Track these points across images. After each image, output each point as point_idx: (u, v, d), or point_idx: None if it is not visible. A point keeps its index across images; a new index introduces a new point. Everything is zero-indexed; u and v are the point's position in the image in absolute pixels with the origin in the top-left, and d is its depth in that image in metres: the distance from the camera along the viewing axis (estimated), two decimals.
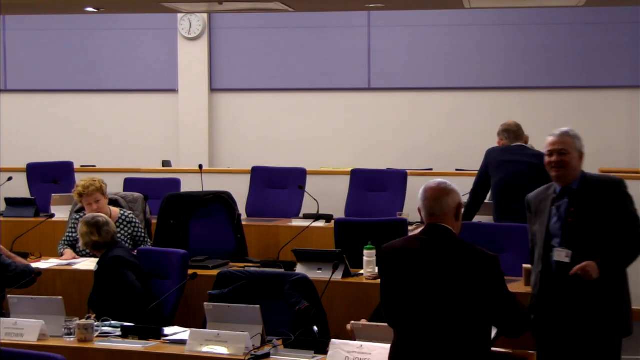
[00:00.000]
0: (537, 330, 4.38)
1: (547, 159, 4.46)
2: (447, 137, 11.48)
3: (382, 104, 11.70)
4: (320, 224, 7.79)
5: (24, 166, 9.56)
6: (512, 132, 6.98)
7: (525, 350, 3.96)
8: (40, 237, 7.80)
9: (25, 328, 4.72)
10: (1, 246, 5.65)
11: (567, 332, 4.33)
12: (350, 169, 9.22)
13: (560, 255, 4.36)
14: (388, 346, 3.90)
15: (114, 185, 8.19)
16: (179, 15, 11.74)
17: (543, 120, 11.01)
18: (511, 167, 6.77)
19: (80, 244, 6.12)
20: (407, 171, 8.86)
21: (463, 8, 9.63)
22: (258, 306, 4.65)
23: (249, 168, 9.21)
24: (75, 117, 12.29)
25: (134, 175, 9.35)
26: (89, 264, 6.41)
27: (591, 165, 10.47)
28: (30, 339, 4.67)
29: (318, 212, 8.17)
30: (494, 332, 3.91)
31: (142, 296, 5.56)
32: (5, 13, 11.47)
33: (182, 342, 4.58)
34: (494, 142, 7.20)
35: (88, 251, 6.71)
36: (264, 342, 4.53)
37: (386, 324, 3.91)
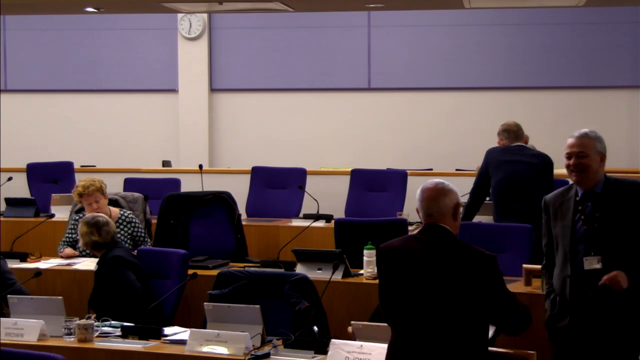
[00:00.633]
0: (566, 333, 4.30)
1: (565, 161, 4.31)
2: (447, 137, 11.48)
3: (382, 104, 11.70)
4: (320, 224, 7.79)
5: (24, 166, 9.56)
6: (512, 132, 6.98)
7: (525, 350, 3.96)
8: (40, 237, 7.80)
9: (25, 328, 4.72)
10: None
11: (595, 338, 4.24)
12: (350, 169, 9.22)
13: (592, 263, 4.24)
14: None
15: (114, 185, 8.19)
16: (179, 15, 11.75)
17: (543, 120, 11.02)
18: (511, 167, 6.77)
19: (80, 243, 6.12)
20: (407, 171, 8.86)
21: (463, 8, 9.63)
22: (258, 306, 4.65)
23: (249, 168, 9.22)
24: (75, 117, 12.29)
25: (134, 175, 9.35)
26: (89, 264, 6.41)
27: None
28: (30, 339, 4.67)
29: (318, 212, 8.17)
30: (491, 331, 3.91)
31: (142, 296, 5.57)
32: (5, 13, 11.47)
33: (182, 342, 4.58)
34: (494, 142, 7.20)
35: (88, 251, 6.72)
36: (264, 342, 4.53)
37: (386, 324, 3.91)
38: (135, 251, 6.23)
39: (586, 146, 4.27)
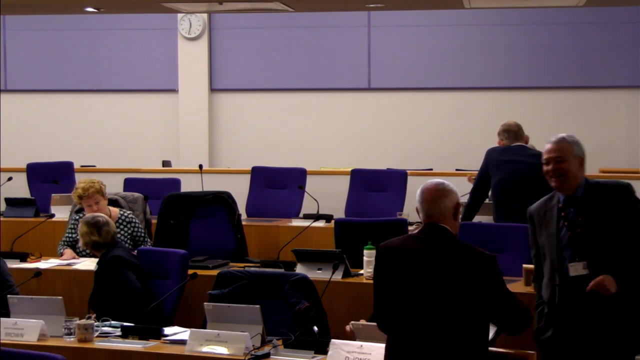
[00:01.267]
0: (552, 343, 4.24)
1: (544, 167, 4.25)
2: (447, 137, 11.48)
3: (382, 104, 11.70)
4: (320, 224, 7.79)
5: (24, 166, 9.56)
6: (513, 132, 6.98)
7: (525, 350, 3.96)
8: (40, 237, 7.80)
9: (25, 328, 4.72)
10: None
11: (584, 345, 4.18)
12: (350, 169, 9.22)
13: (577, 269, 4.17)
14: None
15: (114, 185, 8.19)
16: (179, 15, 11.75)
17: (543, 120, 11.02)
18: (511, 167, 6.76)
19: (80, 243, 6.12)
20: (407, 171, 8.86)
21: (463, 8, 9.63)
22: (258, 306, 4.65)
23: (249, 168, 9.22)
24: (75, 117, 12.30)
25: (134, 175, 9.35)
26: (89, 264, 6.41)
27: (591, 165, 10.46)
28: (30, 339, 4.67)
29: (318, 212, 8.17)
30: (492, 332, 3.91)
31: (141, 296, 5.57)
32: (5, 13, 11.47)
33: (182, 342, 4.58)
34: (494, 142, 7.20)
35: (88, 251, 6.73)
36: (264, 342, 4.53)
37: None
38: (135, 251, 6.23)
39: (564, 151, 4.22)
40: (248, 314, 4.64)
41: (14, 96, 12.28)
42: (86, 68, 12.26)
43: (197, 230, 7.08)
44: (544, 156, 4.27)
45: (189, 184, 8.72)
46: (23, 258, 6.64)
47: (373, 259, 5.79)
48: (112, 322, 4.99)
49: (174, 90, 12.07)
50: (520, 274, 5.48)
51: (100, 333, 4.81)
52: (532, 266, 5.02)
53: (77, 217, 6.83)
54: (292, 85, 11.89)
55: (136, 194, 7.42)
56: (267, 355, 4.38)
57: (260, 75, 11.95)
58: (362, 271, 5.95)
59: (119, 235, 6.36)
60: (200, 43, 11.91)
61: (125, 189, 8.66)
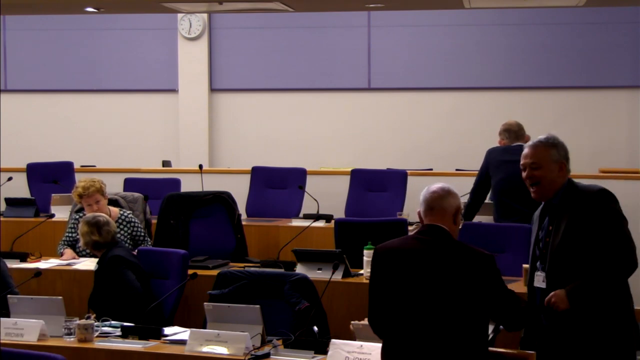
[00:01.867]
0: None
1: (522, 173, 4.08)
2: (447, 137, 11.48)
3: (382, 104, 11.70)
4: (320, 224, 7.79)
5: (24, 166, 9.55)
6: (513, 132, 6.99)
7: (525, 350, 3.96)
8: (40, 237, 7.79)
9: (25, 328, 4.72)
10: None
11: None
12: (350, 169, 9.21)
13: (539, 280, 4.02)
14: None
15: (114, 185, 8.19)
16: (179, 15, 11.74)
17: (543, 120, 11.01)
18: (512, 167, 6.74)
19: (81, 243, 6.13)
20: (407, 171, 8.86)
21: (463, 8, 9.63)
22: (258, 306, 4.65)
23: (249, 168, 9.21)
24: (75, 117, 12.29)
25: (134, 175, 9.35)
26: (89, 264, 6.41)
27: (591, 165, 10.60)
28: (30, 339, 4.67)
29: (318, 212, 8.17)
30: (490, 332, 3.91)
31: (141, 296, 5.57)
32: (5, 13, 11.47)
33: (182, 342, 4.58)
34: (494, 142, 7.20)
35: (88, 251, 6.73)
36: (264, 342, 4.53)
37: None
38: (136, 251, 6.23)
39: (539, 157, 4.04)
40: (248, 314, 4.64)
41: (14, 96, 12.28)
42: (86, 68, 12.26)
43: (197, 230, 7.08)
44: (521, 161, 4.10)
45: (189, 184, 8.72)
46: (23, 258, 6.65)
47: None
48: (112, 322, 5.00)
49: (174, 90, 12.07)
50: (520, 274, 5.47)
51: (100, 333, 4.81)
52: None
53: (77, 217, 6.84)
54: (292, 85, 11.89)
55: (136, 194, 7.42)
56: (267, 355, 4.38)
57: (260, 75, 11.95)
58: (362, 271, 5.95)
59: (118, 235, 6.37)
60: (200, 43, 11.91)
61: (125, 189, 8.66)
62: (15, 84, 12.40)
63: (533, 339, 4.10)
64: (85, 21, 11.94)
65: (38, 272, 5.65)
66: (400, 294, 3.75)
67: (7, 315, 4.96)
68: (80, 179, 6.88)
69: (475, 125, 11.31)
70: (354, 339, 4.33)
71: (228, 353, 4.41)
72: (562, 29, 11.28)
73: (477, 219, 7.10)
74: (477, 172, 7.12)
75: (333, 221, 7.17)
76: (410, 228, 6.99)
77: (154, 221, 7.22)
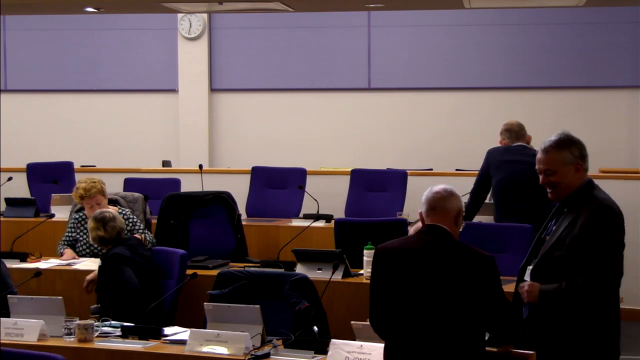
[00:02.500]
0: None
1: (539, 177, 4.04)
2: (447, 137, 11.48)
3: (382, 104, 11.70)
4: (320, 224, 7.79)
5: (24, 166, 9.55)
6: (514, 132, 6.98)
7: (525, 350, 3.96)
8: (40, 237, 7.79)
9: (25, 328, 4.72)
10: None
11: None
12: (350, 169, 9.21)
13: (527, 273, 4.06)
14: None
15: (114, 185, 8.19)
16: (179, 15, 11.74)
17: (543, 120, 11.01)
18: (512, 167, 6.76)
19: (90, 239, 6.15)
20: (407, 171, 8.86)
21: (463, 8, 9.63)
22: (258, 306, 4.65)
23: (249, 168, 9.21)
24: (75, 117, 12.29)
25: (134, 175, 9.35)
26: (89, 264, 6.42)
27: (591, 166, 10.49)
28: (30, 339, 4.67)
29: (318, 212, 8.17)
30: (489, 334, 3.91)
31: (138, 292, 5.59)
32: (5, 13, 11.47)
33: (182, 342, 4.58)
34: (494, 142, 7.20)
35: (88, 251, 6.73)
36: (264, 342, 4.53)
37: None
38: (149, 240, 6.24)
39: (553, 162, 3.99)
40: (248, 314, 4.64)
41: (14, 96, 12.28)
42: (86, 68, 12.26)
43: (197, 230, 7.08)
44: (536, 165, 4.09)
45: (189, 184, 8.72)
46: (23, 258, 6.65)
47: None
48: (112, 322, 5.00)
49: (174, 90, 12.07)
50: None
51: (100, 333, 4.81)
52: None
53: (77, 217, 6.84)
54: (292, 85, 11.89)
55: (136, 194, 7.42)
56: (267, 355, 4.38)
57: (260, 75, 11.95)
58: (362, 271, 5.96)
59: None
60: (200, 43, 11.91)
61: (125, 189, 8.66)
62: (15, 84, 12.40)
63: (533, 339, 4.10)
64: (85, 21, 11.94)
65: (38, 272, 5.65)
66: (401, 294, 3.75)
67: (7, 315, 4.96)
68: (81, 180, 6.88)
69: (475, 125, 11.31)
70: (354, 339, 4.33)
71: (228, 353, 4.41)
72: (562, 29, 11.28)
73: (477, 219, 7.10)
74: (477, 172, 7.12)
75: (333, 221, 7.18)
76: (410, 223, 6.99)
77: (154, 221, 7.23)
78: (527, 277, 4.09)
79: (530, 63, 11.33)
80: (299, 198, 8.68)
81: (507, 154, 6.83)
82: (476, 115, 11.40)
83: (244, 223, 7.43)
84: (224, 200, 7.21)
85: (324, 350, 4.32)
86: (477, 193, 6.99)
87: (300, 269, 5.95)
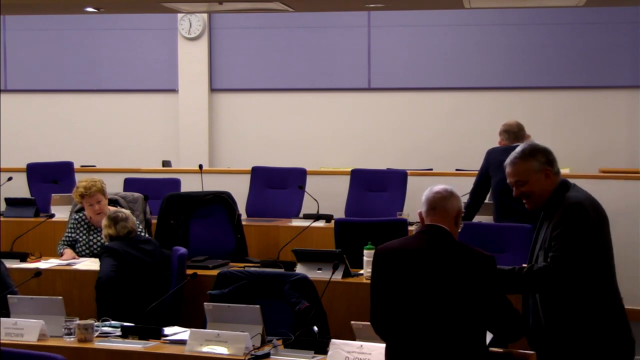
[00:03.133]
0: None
1: (513, 191, 4.12)
2: (447, 137, 11.48)
3: (382, 104, 11.70)
4: (320, 224, 7.79)
5: (24, 166, 9.55)
6: (513, 132, 6.99)
7: (525, 350, 3.96)
8: (40, 237, 7.79)
9: (25, 328, 4.72)
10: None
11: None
12: (350, 169, 9.21)
13: None
14: None
15: (114, 185, 8.19)
16: (179, 15, 11.75)
17: (543, 120, 11.02)
18: None
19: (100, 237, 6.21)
20: (407, 171, 8.86)
21: (463, 8, 9.63)
22: (258, 306, 4.65)
23: (249, 168, 9.21)
24: (75, 117, 12.30)
25: (134, 175, 9.35)
26: (89, 264, 6.42)
27: (591, 165, 10.60)
28: (30, 339, 4.67)
29: (318, 212, 8.17)
30: (489, 336, 3.91)
31: (104, 283, 5.67)
32: (5, 13, 11.47)
33: (182, 342, 4.58)
34: (494, 142, 7.20)
35: (88, 251, 6.73)
36: (264, 342, 4.53)
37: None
38: None
39: (521, 173, 4.04)
40: (248, 314, 4.64)
41: (14, 96, 12.28)
42: (86, 68, 12.26)
43: (197, 230, 7.08)
44: (507, 180, 4.14)
45: (189, 184, 8.72)
46: (23, 258, 6.65)
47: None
48: (112, 322, 5.00)
49: (174, 90, 12.07)
50: None
51: (100, 333, 4.81)
52: None
53: (77, 217, 6.84)
54: (292, 85, 11.89)
55: (136, 194, 7.42)
56: (267, 355, 4.38)
57: (260, 75, 11.95)
58: (362, 271, 5.95)
59: None
60: (200, 43, 11.91)
61: (125, 189, 8.66)
62: (15, 84, 12.40)
63: (534, 339, 4.10)
64: (85, 21, 11.94)
65: (38, 272, 5.65)
66: (402, 294, 3.75)
67: (7, 315, 4.96)
68: (81, 179, 6.88)
69: (475, 125, 11.31)
70: (354, 339, 4.33)
71: (228, 353, 4.41)
72: (562, 29, 11.28)
73: (477, 219, 7.09)
74: (477, 172, 7.12)
75: (333, 221, 7.17)
76: (410, 228, 6.99)
77: (154, 221, 7.22)
78: None
79: (530, 63, 11.34)
80: (299, 198, 8.68)
81: (507, 154, 6.74)
82: (476, 115, 11.40)
83: (244, 223, 7.43)
84: (224, 200, 7.21)
85: (324, 350, 4.32)
86: (477, 193, 6.99)
87: (300, 269, 5.95)
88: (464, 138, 11.34)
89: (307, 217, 8.05)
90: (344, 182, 8.93)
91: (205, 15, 11.81)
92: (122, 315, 5.18)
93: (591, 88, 11.26)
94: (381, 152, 11.54)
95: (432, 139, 11.51)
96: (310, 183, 8.82)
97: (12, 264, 6.38)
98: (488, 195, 7.17)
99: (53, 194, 8.40)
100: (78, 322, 4.73)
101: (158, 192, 8.08)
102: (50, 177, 9.27)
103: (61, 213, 7.94)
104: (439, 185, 3.90)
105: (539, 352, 3.98)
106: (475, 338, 3.70)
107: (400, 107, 11.66)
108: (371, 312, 3.86)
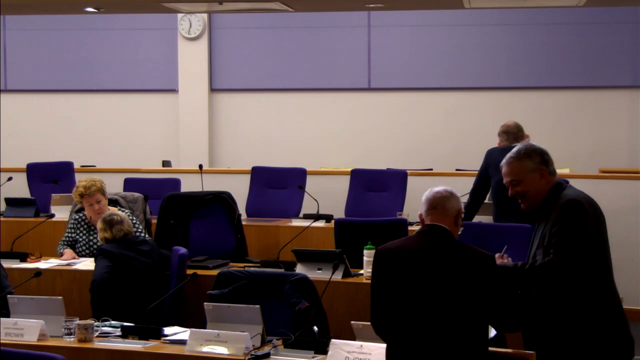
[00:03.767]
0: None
1: (509, 191, 4.12)
2: (447, 137, 11.48)
3: (382, 104, 11.70)
4: (320, 224, 7.79)
5: (24, 166, 9.56)
6: (511, 133, 7.00)
7: (525, 350, 3.96)
8: (40, 237, 7.80)
9: (25, 328, 4.72)
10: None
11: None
12: (350, 169, 9.21)
13: None
14: None
15: (114, 185, 8.19)
16: (179, 15, 11.75)
17: (543, 120, 11.02)
18: None
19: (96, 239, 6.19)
20: (407, 171, 8.86)
21: (463, 8, 9.63)
22: (258, 306, 4.65)
23: (249, 168, 9.21)
24: (75, 117, 12.30)
25: (134, 175, 9.35)
26: (89, 264, 6.41)
27: (591, 166, 10.60)
28: (30, 339, 4.67)
29: (318, 212, 8.17)
30: (492, 333, 3.91)
31: (99, 285, 5.66)
32: (5, 13, 11.47)
33: (182, 342, 4.58)
34: (494, 142, 7.21)
35: (87, 252, 6.73)
36: (264, 342, 4.53)
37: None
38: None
39: (516, 172, 4.06)
40: (248, 314, 4.64)
41: (14, 96, 12.28)
42: (86, 68, 12.26)
43: (197, 230, 7.08)
44: (503, 180, 4.16)
45: (189, 184, 8.72)
46: (23, 258, 6.65)
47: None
48: (112, 322, 5.00)
49: (174, 90, 12.07)
50: None
51: (100, 333, 4.81)
52: None
53: (77, 217, 6.84)
54: (292, 85, 11.89)
55: (136, 194, 7.42)
56: (267, 355, 4.38)
57: (260, 75, 11.95)
58: (362, 271, 5.95)
59: None
60: (200, 43, 11.91)
61: (125, 189, 8.66)
62: (15, 84, 12.40)
63: (533, 339, 4.10)
64: (85, 21, 11.94)
65: (38, 272, 5.65)
66: (402, 294, 3.75)
67: (7, 315, 4.96)
68: (81, 179, 6.88)
69: (475, 125, 11.31)
70: (354, 339, 4.33)
71: (228, 353, 4.41)
72: (562, 29, 11.28)
73: (477, 219, 7.10)
74: (477, 172, 7.13)
75: (333, 221, 7.17)
76: (410, 228, 6.99)
77: (154, 221, 7.22)
78: None
79: (530, 63, 11.33)
80: (299, 198, 8.68)
81: (506, 154, 6.82)
82: (476, 115, 11.40)
83: (244, 223, 7.43)
84: (224, 200, 7.21)
85: (324, 350, 4.32)
86: (477, 193, 7.00)
87: (300, 269, 5.95)
88: (464, 138, 11.34)
89: (307, 217, 8.05)
90: (344, 182, 8.93)
91: (205, 15, 11.81)
92: (119, 316, 5.17)
93: (591, 88, 11.26)
94: (381, 152, 11.54)
95: (432, 139, 11.51)
96: (310, 183, 8.82)
97: (12, 264, 6.39)
98: (488, 195, 7.18)
99: (53, 194, 8.40)
100: (78, 322, 4.73)
101: (158, 192, 8.08)
102: (50, 177, 9.27)
103: (61, 213, 7.94)
104: (439, 187, 3.92)
105: (538, 352, 3.98)
106: (475, 338, 3.71)
107: (400, 107, 11.66)
108: (371, 312, 3.86)
